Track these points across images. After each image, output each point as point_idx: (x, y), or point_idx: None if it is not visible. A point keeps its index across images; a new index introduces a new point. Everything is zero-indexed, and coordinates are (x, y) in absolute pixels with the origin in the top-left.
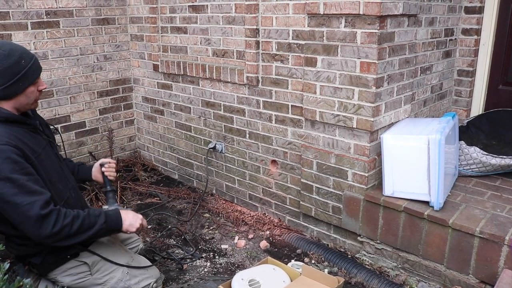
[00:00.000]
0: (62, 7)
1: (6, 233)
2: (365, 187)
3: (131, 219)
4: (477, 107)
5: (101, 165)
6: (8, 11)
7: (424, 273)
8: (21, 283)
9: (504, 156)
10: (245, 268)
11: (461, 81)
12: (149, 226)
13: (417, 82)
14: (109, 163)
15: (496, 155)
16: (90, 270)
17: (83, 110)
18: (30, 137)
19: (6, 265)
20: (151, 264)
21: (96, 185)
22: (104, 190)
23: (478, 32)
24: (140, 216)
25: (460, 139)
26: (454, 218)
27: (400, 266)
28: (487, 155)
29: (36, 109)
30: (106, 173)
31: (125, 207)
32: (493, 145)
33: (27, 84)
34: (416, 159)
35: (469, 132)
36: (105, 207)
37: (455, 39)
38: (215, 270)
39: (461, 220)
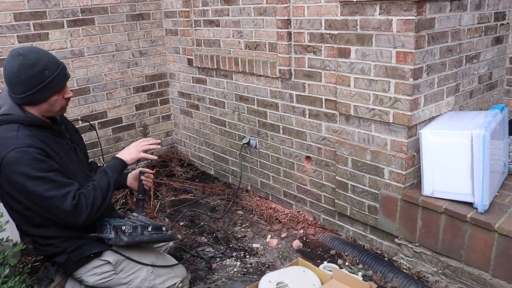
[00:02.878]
0: (97, 4)
1: (30, 233)
2: (403, 186)
3: (127, 153)
4: None
5: (141, 173)
6: (45, 11)
7: (467, 281)
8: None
9: None
10: (276, 269)
11: None
12: (181, 223)
13: (462, 72)
14: (149, 173)
15: None
16: (114, 269)
17: (120, 106)
18: (54, 142)
19: (6, 271)
20: (177, 262)
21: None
22: (137, 197)
23: None
24: (135, 143)
25: (510, 134)
26: (501, 221)
27: (440, 271)
28: None
29: (74, 106)
30: (144, 182)
31: (157, 214)
32: None
33: (49, 93)
34: (458, 157)
35: None
36: (134, 214)
37: (507, 23)
38: (245, 270)
39: (509, 224)
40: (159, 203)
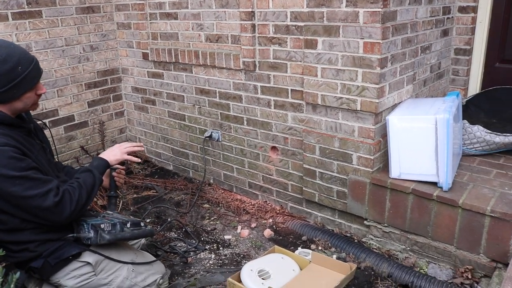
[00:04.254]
0: None
1: (1, 240)
2: (371, 170)
3: (111, 154)
4: (474, 86)
5: (112, 169)
6: None
7: (434, 255)
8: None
9: (508, 134)
10: (251, 258)
11: (458, 60)
12: (148, 220)
13: (418, 61)
14: (120, 169)
15: (499, 133)
16: (94, 270)
17: (71, 103)
18: (25, 140)
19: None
20: (155, 259)
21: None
22: (109, 194)
23: (474, 9)
24: (118, 145)
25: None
26: (463, 198)
27: (409, 248)
28: (491, 133)
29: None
30: (116, 178)
31: (120, 212)
32: (494, 123)
33: (23, 90)
34: (424, 140)
35: (469, 111)
36: (108, 211)
37: (452, 17)
38: (221, 261)
39: (471, 199)
40: (121, 201)
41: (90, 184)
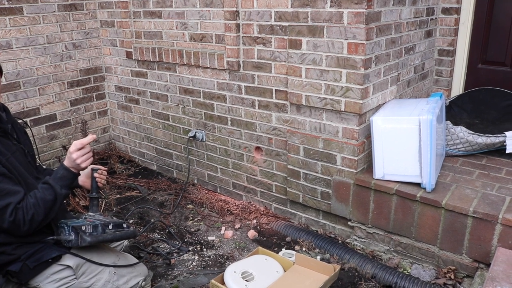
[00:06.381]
0: None
1: None
2: (355, 171)
3: (73, 163)
4: (458, 87)
5: (93, 170)
6: None
7: (417, 255)
8: None
9: (490, 135)
10: (235, 260)
11: (442, 61)
12: (131, 221)
13: (402, 62)
14: (102, 169)
15: (481, 134)
16: (74, 273)
17: (53, 102)
18: None
19: None
20: (138, 261)
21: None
22: (90, 196)
23: (458, 11)
24: (71, 152)
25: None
26: (446, 199)
27: (392, 249)
28: (474, 134)
29: (4, 103)
30: (97, 179)
31: (103, 213)
32: (476, 124)
33: None
34: (407, 141)
35: (452, 112)
36: (90, 213)
37: (436, 18)
38: (204, 263)
39: (454, 200)
40: (104, 202)
41: (50, 200)
